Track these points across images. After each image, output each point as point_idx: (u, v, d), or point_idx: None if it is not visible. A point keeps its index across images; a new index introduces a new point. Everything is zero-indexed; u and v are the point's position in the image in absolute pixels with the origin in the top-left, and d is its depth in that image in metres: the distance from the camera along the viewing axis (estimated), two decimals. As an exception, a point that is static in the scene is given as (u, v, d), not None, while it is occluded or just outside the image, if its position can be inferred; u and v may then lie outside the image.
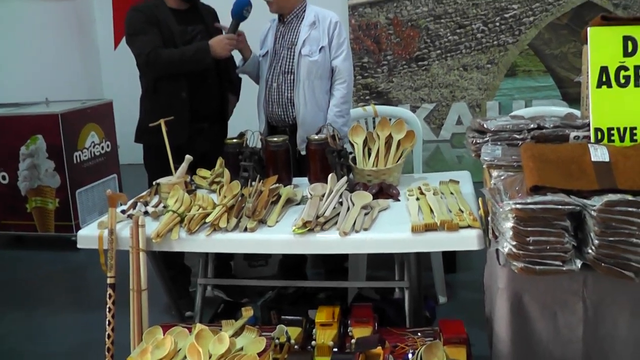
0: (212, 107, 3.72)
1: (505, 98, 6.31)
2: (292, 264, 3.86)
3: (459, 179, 2.91)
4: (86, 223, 5.12)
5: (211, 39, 3.54)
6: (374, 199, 2.66)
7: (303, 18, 3.61)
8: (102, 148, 5.47)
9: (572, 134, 2.36)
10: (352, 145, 3.07)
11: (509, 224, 1.89)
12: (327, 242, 2.40)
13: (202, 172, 3.24)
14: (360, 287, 3.50)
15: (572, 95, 6.09)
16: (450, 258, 4.04)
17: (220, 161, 3.21)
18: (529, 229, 1.86)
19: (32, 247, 5.25)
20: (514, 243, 1.88)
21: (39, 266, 4.88)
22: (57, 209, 5.08)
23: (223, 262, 3.85)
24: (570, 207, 1.85)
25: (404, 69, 6.43)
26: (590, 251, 1.85)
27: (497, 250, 2.01)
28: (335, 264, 3.82)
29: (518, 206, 1.86)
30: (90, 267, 4.84)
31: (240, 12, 3.53)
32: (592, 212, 1.82)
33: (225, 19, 3.72)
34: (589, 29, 2.32)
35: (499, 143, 2.42)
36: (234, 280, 3.84)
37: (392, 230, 2.40)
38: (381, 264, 3.77)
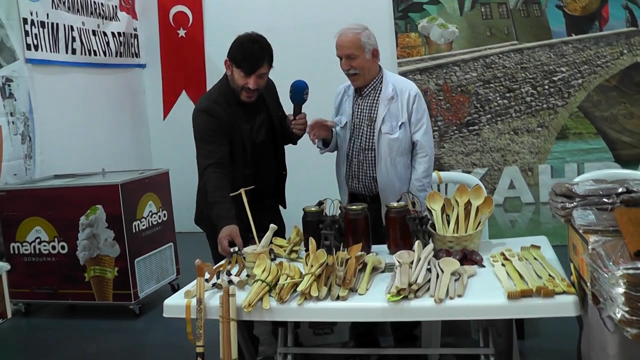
0: (269, 186, 3.65)
1: (557, 161, 6.31)
2: (364, 330, 3.79)
3: (538, 243, 2.90)
4: (144, 292, 5.17)
5: (270, 135, 3.58)
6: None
7: (380, 90, 3.57)
8: (159, 217, 5.53)
9: (663, 198, 2.36)
10: (430, 212, 3.08)
11: (620, 289, 1.88)
12: (422, 309, 2.40)
13: (279, 241, 3.27)
14: (441, 355, 3.46)
15: (624, 158, 6.13)
16: (518, 324, 3.97)
17: (296, 229, 3.23)
18: (642, 294, 1.85)
19: (88, 316, 5.26)
20: (627, 309, 1.86)
21: (98, 334, 4.88)
22: (116, 278, 5.10)
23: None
24: (683, 271, 1.84)
25: (455, 134, 6.48)
26: None
27: (605, 316, 1.99)
28: (404, 332, 3.76)
29: (630, 271, 1.86)
30: (148, 335, 4.88)
31: (301, 96, 3.54)
32: None
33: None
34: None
35: (587, 207, 2.42)
36: (312, 348, 3.73)
37: (485, 297, 2.40)
38: (454, 330, 3.74)
